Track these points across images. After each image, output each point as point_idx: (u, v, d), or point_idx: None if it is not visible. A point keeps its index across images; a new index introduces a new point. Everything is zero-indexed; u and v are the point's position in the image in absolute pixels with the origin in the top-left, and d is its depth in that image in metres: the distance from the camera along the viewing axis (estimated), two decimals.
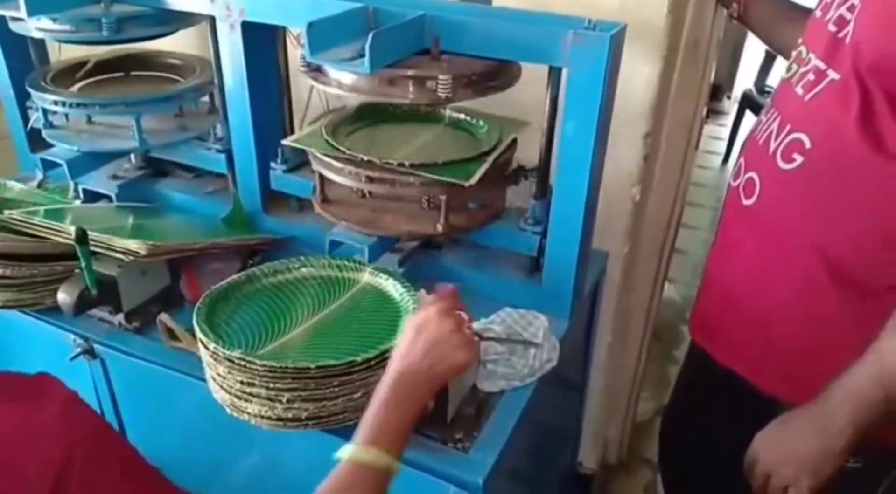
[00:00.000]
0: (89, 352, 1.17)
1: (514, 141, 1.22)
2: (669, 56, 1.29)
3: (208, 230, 1.32)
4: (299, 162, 1.30)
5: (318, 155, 1.16)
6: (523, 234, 1.19)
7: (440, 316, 0.84)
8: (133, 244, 1.05)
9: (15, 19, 1.25)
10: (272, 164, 1.29)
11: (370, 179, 1.13)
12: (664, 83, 1.32)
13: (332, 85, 1.08)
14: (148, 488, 0.64)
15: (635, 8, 1.22)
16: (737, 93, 4.18)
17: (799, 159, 0.99)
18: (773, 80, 3.48)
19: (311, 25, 0.93)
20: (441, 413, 0.95)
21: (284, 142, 1.22)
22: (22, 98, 1.43)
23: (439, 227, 1.16)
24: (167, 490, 0.66)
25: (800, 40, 1.07)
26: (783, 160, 1.01)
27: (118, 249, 1.06)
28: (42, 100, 1.27)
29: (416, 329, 0.84)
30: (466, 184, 1.08)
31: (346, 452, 0.76)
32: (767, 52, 3.42)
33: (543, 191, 1.17)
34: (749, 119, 3.53)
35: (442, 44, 1.03)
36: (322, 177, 1.20)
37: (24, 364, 1.33)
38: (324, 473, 0.76)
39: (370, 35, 0.91)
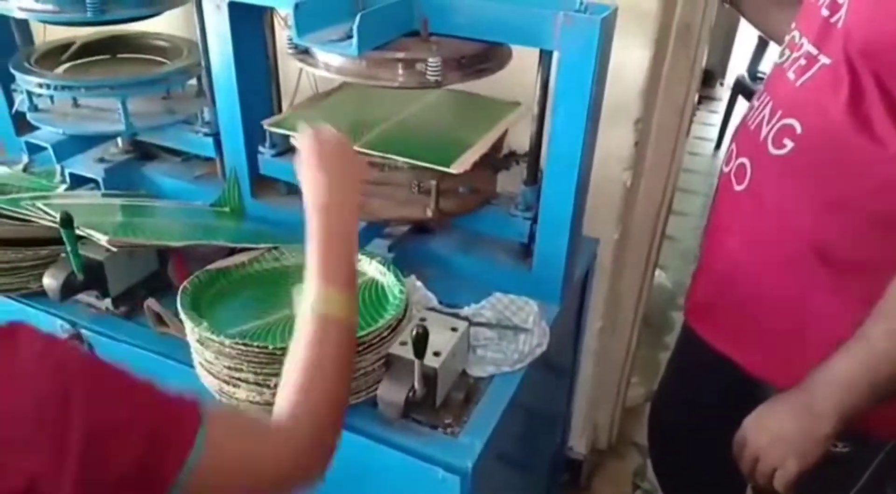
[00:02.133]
0: (77, 337, 1.15)
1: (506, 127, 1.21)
2: (661, 40, 1.29)
3: (195, 222, 1.31)
4: (288, 146, 1.28)
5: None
6: (514, 220, 1.19)
7: (331, 142, 0.84)
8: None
9: None
10: (260, 148, 1.28)
11: None
12: (655, 68, 1.32)
13: (319, 67, 1.07)
14: (155, 410, 0.61)
15: None
16: (729, 79, 4.17)
17: (790, 145, 0.98)
18: (766, 66, 3.47)
19: (297, 6, 0.92)
20: (430, 397, 0.95)
21: (264, 124, 1.21)
22: (6, 80, 1.41)
23: (429, 212, 1.16)
24: (168, 400, 0.63)
25: (793, 25, 1.06)
26: (774, 146, 1.00)
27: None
28: (26, 82, 1.26)
29: (317, 161, 0.82)
30: (456, 171, 1.07)
31: (315, 304, 0.75)
32: (760, 38, 3.41)
33: (534, 177, 1.16)
34: (741, 105, 3.52)
35: (431, 25, 1.02)
36: None
37: None
38: None
39: (358, 16, 0.90)
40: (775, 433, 0.91)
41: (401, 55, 1.01)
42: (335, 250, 0.79)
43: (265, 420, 0.72)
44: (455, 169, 1.07)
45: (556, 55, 1.00)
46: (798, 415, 0.89)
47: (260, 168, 1.29)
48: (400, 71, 1.02)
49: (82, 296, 1.16)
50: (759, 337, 1.09)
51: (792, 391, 0.92)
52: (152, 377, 0.63)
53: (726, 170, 1.12)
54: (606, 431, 1.95)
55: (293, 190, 1.33)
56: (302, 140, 0.86)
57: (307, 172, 0.83)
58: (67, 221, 1.02)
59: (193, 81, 1.38)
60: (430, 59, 0.99)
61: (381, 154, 1.10)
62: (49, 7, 1.19)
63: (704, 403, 1.28)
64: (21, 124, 1.41)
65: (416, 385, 0.92)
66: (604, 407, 1.87)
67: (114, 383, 0.60)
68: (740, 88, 3.63)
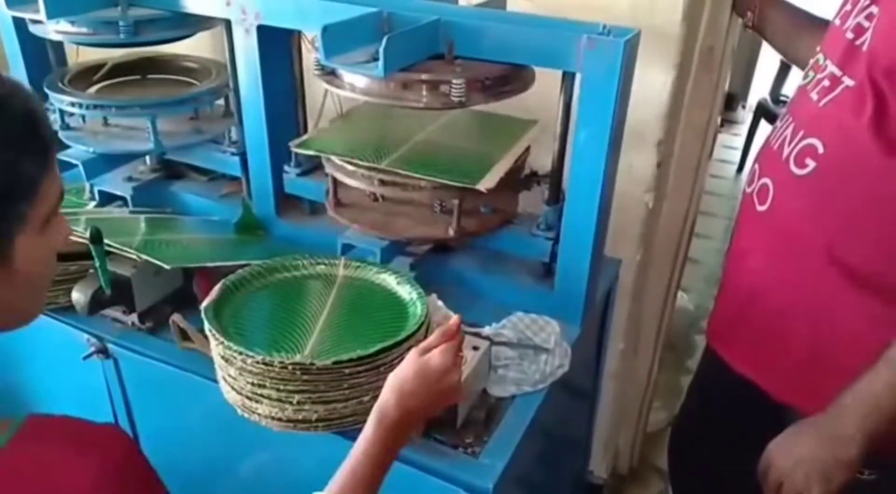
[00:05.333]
0: (102, 352, 1.17)
1: (528, 145, 1.22)
2: (684, 63, 1.29)
3: (220, 239, 1.33)
4: (312, 165, 1.30)
5: (332, 158, 1.17)
6: (535, 240, 1.19)
7: (449, 366, 0.81)
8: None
9: (34, 22, 1.26)
10: (285, 168, 1.30)
11: (383, 182, 1.13)
12: (678, 90, 1.32)
13: (345, 88, 1.08)
14: None
15: (648, 14, 1.22)
16: (751, 102, 4.16)
17: (812, 164, 0.98)
18: (788, 89, 3.46)
19: (325, 29, 0.93)
20: (451, 417, 0.95)
21: (291, 146, 1.23)
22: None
23: (451, 231, 1.17)
24: None
25: (818, 48, 1.06)
26: (796, 165, 1.00)
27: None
28: (59, 101, 1.29)
29: (431, 377, 0.80)
30: (483, 188, 1.08)
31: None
32: (782, 62, 3.41)
33: (556, 197, 1.17)
34: (764, 128, 3.51)
35: (456, 48, 1.03)
36: (335, 180, 1.21)
37: (37, 363, 1.34)
38: (331, 476, 0.76)
39: (384, 39, 0.91)
40: (800, 457, 0.89)
41: (425, 76, 1.02)
42: (379, 460, 0.77)
43: None
44: (482, 186, 1.08)
45: (578, 77, 1.01)
46: (823, 440, 0.88)
47: (285, 187, 1.31)
48: (424, 92, 1.03)
49: (109, 311, 1.18)
50: (783, 360, 1.08)
51: (818, 415, 0.91)
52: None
53: (749, 190, 1.12)
54: (627, 455, 1.93)
55: (317, 208, 1.35)
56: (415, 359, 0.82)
57: (411, 372, 0.80)
58: (97, 237, 1.04)
59: (221, 102, 1.41)
60: (455, 81, 1.01)
61: (407, 173, 1.11)
62: (83, 30, 1.22)
63: (727, 427, 1.26)
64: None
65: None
66: (625, 430, 1.85)
67: None
68: (762, 112, 3.62)
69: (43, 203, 0.62)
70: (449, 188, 1.11)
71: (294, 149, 1.24)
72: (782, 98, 3.53)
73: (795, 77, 1.28)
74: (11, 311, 0.66)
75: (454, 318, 0.86)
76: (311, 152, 1.21)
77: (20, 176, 0.60)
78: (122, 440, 0.66)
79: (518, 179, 1.25)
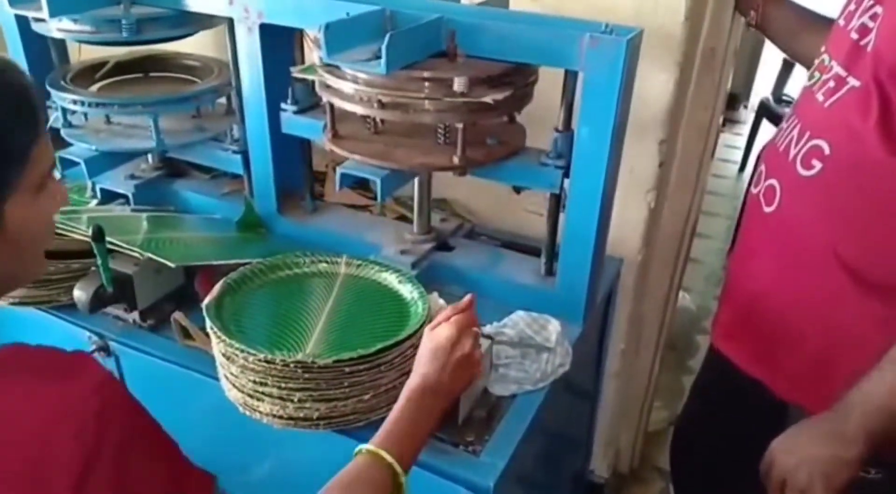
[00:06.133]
0: (104, 349, 1.17)
1: (535, 71, 1.13)
2: (686, 63, 1.29)
3: (222, 237, 1.32)
4: (310, 103, 1.26)
5: (329, 83, 1.09)
6: (544, 170, 1.12)
7: (463, 334, 0.87)
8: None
9: (37, 20, 1.26)
10: (282, 105, 1.25)
11: (382, 104, 1.04)
12: (680, 90, 1.32)
13: None
14: (173, 467, 0.68)
15: (651, 14, 1.22)
16: (754, 102, 4.15)
17: (818, 165, 0.98)
18: (791, 89, 3.45)
19: (328, 27, 0.93)
20: (453, 415, 0.95)
21: (293, 72, 1.19)
22: (42, 97, 1.45)
23: (455, 160, 1.09)
24: (186, 468, 0.70)
25: (822, 48, 1.06)
26: (803, 166, 1.00)
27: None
28: (61, 99, 1.29)
29: (441, 345, 0.86)
30: None
31: (360, 450, 0.77)
32: (785, 62, 3.40)
33: (568, 123, 1.11)
34: (766, 128, 3.50)
35: (458, 46, 1.03)
36: (333, 109, 1.13)
37: None
38: (333, 474, 0.76)
39: (387, 36, 0.91)
40: (803, 455, 0.89)
41: (428, 74, 1.02)
42: (408, 428, 0.81)
43: None
44: None
45: (581, 75, 1.01)
46: (827, 438, 0.88)
47: (282, 127, 1.26)
48: (426, 89, 1.03)
49: (110, 309, 1.18)
50: (788, 359, 1.08)
51: (822, 414, 0.90)
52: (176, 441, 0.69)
53: (755, 191, 1.12)
54: (628, 455, 1.92)
55: (318, 206, 1.35)
56: (439, 312, 0.91)
57: (428, 347, 0.87)
58: (99, 235, 1.04)
59: (223, 100, 1.41)
60: (457, 79, 1.01)
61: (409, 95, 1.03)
62: (86, 28, 1.22)
63: (730, 426, 1.26)
64: (55, 140, 1.43)
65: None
66: (626, 430, 1.85)
67: (146, 434, 0.66)
68: (764, 111, 3.61)
69: (34, 170, 0.64)
70: (454, 110, 1.03)
71: (296, 75, 1.19)
72: (784, 98, 3.52)
73: (798, 76, 1.28)
74: (7, 274, 0.68)
75: (468, 296, 0.92)
76: (313, 77, 1.14)
77: (10, 144, 0.62)
78: (90, 365, 0.65)
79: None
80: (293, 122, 1.26)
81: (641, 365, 1.75)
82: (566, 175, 1.11)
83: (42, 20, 1.22)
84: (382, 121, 1.15)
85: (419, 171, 1.19)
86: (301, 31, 1.24)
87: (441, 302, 1.15)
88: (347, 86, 1.06)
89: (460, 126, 1.06)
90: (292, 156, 1.31)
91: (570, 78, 1.06)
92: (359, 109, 1.07)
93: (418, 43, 1.00)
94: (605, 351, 1.52)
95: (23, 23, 1.35)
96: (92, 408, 0.60)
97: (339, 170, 1.13)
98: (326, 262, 1.14)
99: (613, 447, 1.83)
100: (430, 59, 1.03)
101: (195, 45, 1.43)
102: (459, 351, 0.86)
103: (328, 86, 1.10)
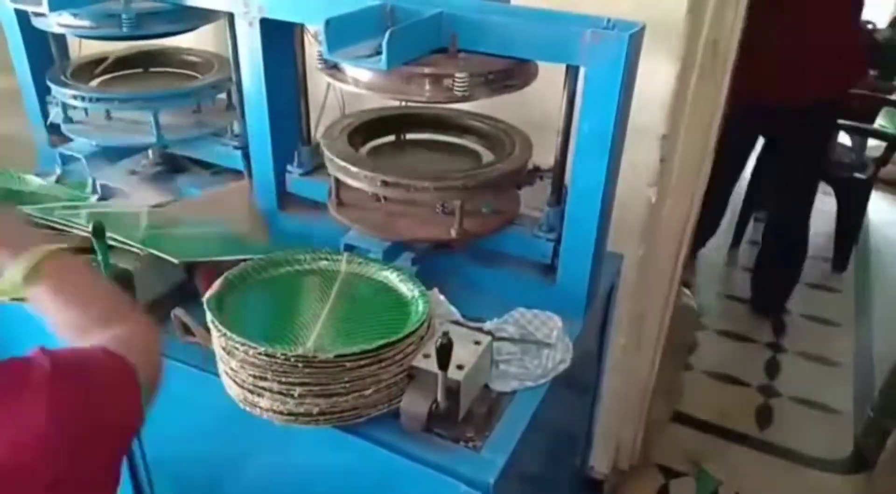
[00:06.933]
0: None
1: (530, 145, 1.21)
2: (688, 57, 1.28)
3: (223, 233, 1.32)
4: (315, 165, 1.30)
5: (334, 159, 1.16)
6: (537, 241, 1.18)
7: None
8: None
9: (37, 15, 1.26)
10: (288, 167, 1.29)
11: (385, 184, 1.12)
12: (682, 85, 1.31)
13: (348, 82, 1.08)
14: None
15: (653, 8, 1.21)
16: None
17: None
18: None
19: (328, 22, 0.93)
20: (453, 411, 0.95)
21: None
22: (42, 92, 1.45)
23: (453, 233, 1.16)
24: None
25: None
26: None
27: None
28: (62, 94, 1.29)
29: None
30: None
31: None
32: None
33: (558, 198, 1.16)
34: None
35: (459, 42, 1.03)
36: (337, 181, 1.20)
37: None
38: (334, 471, 0.76)
39: (387, 32, 0.91)
40: None
41: (429, 70, 1.01)
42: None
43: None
44: None
45: (582, 71, 1.01)
46: None
47: (287, 187, 1.31)
48: (427, 86, 1.03)
49: None
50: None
51: None
52: None
53: None
54: (629, 451, 1.92)
55: (320, 203, 1.35)
56: None
57: None
58: (99, 231, 1.04)
59: (223, 95, 1.41)
60: (458, 75, 1.00)
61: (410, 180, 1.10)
62: (86, 23, 1.22)
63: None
64: (55, 136, 1.44)
65: (440, 397, 0.92)
66: (626, 426, 1.85)
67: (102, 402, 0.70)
68: None
69: None
70: (451, 189, 1.10)
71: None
72: None
73: None
74: None
75: None
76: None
77: None
78: (32, 370, 0.66)
79: (521, 177, 1.24)
80: (299, 184, 1.30)
81: (642, 361, 1.75)
82: (557, 244, 1.15)
83: (42, 15, 1.23)
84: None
85: (418, 243, 1.23)
86: (302, 26, 1.24)
87: (442, 298, 1.15)
88: (352, 167, 1.14)
89: (458, 202, 1.13)
90: (293, 152, 1.30)
91: (572, 73, 1.06)
92: (363, 186, 1.14)
93: (419, 39, 1.00)
94: (606, 347, 1.52)
95: (23, 18, 1.35)
96: (41, 423, 0.61)
97: (342, 240, 1.20)
98: (327, 260, 1.14)
99: (614, 443, 1.83)
100: (430, 54, 1.03)
101: (195, 41, 1.43)
102: None
103: (334, 161, 1.17)
